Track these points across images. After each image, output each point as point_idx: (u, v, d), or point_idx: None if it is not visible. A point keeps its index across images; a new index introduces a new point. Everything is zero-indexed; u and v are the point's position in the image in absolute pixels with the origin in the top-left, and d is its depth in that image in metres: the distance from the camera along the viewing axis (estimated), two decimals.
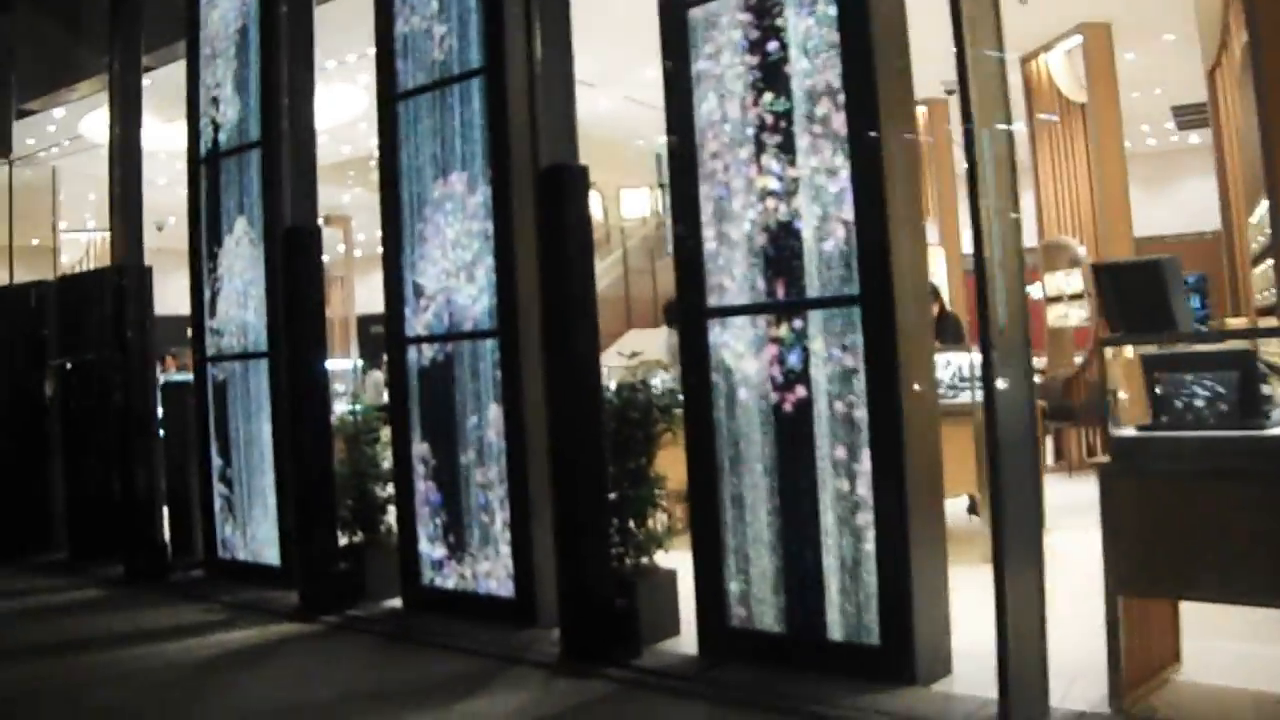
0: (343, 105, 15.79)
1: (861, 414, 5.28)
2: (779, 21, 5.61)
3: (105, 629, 7.73)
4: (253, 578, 8.68)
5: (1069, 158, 13.60)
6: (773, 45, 5.63)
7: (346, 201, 21.91)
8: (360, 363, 15.80)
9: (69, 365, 11.04)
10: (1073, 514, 7.05)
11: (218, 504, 9.07)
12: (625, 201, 22.59)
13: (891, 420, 5.17)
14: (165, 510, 9.95)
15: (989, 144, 4.62)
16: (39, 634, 7.79)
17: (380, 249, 7.74)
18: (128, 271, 9.76)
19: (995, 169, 4.64)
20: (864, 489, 5.28)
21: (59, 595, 9.16)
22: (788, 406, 5.55)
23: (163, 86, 11.39)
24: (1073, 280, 13.05)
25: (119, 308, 9.68)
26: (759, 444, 5.66)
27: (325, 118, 8.84)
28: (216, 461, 9.06)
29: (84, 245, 20.62)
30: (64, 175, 15.80)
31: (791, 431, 5.54)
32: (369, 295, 25.58)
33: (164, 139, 13.74)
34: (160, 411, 10.03)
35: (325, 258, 9.87)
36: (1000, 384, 4.45)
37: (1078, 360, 12.95)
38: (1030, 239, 7.04)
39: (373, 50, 7.78)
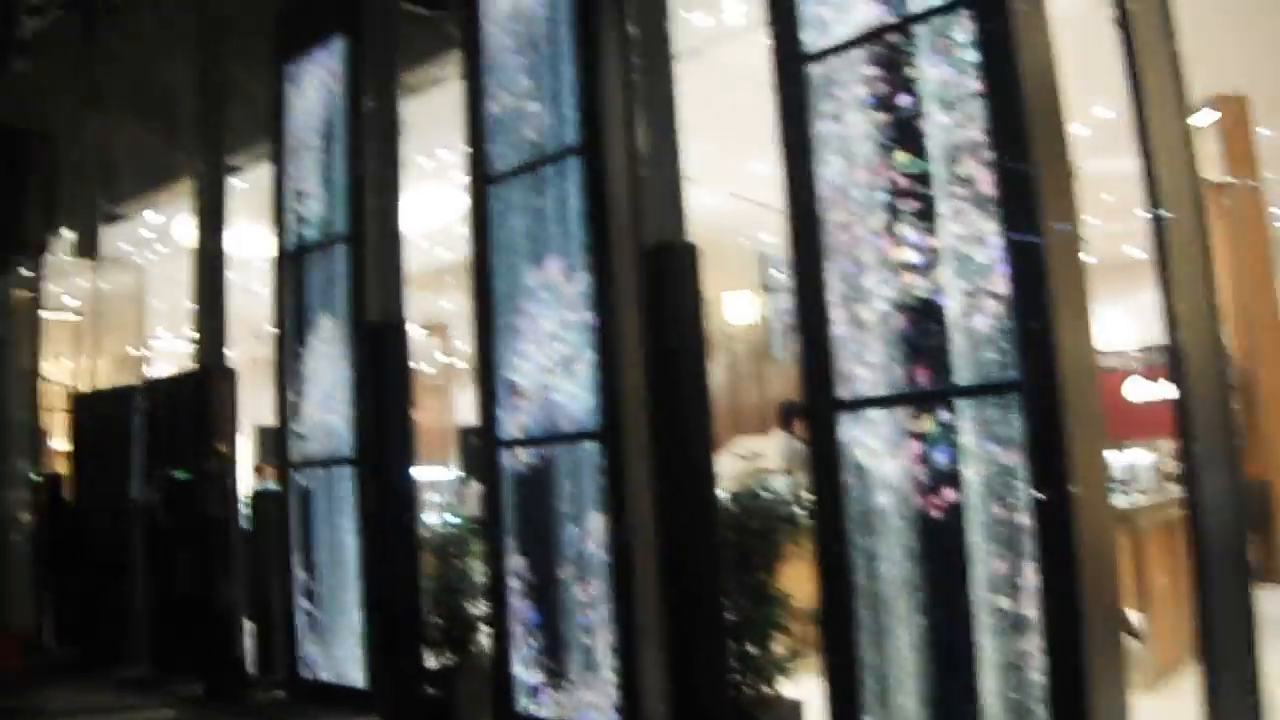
0: (439, 207, 15.56)
1: (1023, 519, 4.60)
2: (910, 73, 5.07)
3: None
4: (336, 699, 8.17)
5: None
6: (904, 99, 5.08)
7: (446, 309, 21.72)
8: (462, 473, 15.42)
9: (154, 475, 10.80)
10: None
11: (300, 619, 8.59)
12: (729, 305, 22.11)
13: (1060, 525, 4.49)
14: (247, 624, 9.59)
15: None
16: None
17: None
18: (210, 374, 9.46)
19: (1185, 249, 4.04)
20: (1029, 607, 4.57)
21: (135, 714, 8.84)
22: (934, 511, 4.88)
23: (256, 188, 11.22)
24: None
25: (201, 412, 9.39)
26: (900, 556, 5.00)
27: (421, 220, 8.56)
28: (299, 574, 8.60)
29: (182, 353, 20.66)
30: (159, 281, 15.79)
31: (938, 541, 4.87)
32: (470, 406, 25.46)
33: (260, 244, 13.60)
34: (249, 520, 9.71)
35: (426, 366, 9.58)
36: (1206, 484, 3.77)
37: None
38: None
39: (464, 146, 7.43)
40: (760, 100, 5.69)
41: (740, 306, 22.24)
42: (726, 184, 15.17)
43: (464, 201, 7.24)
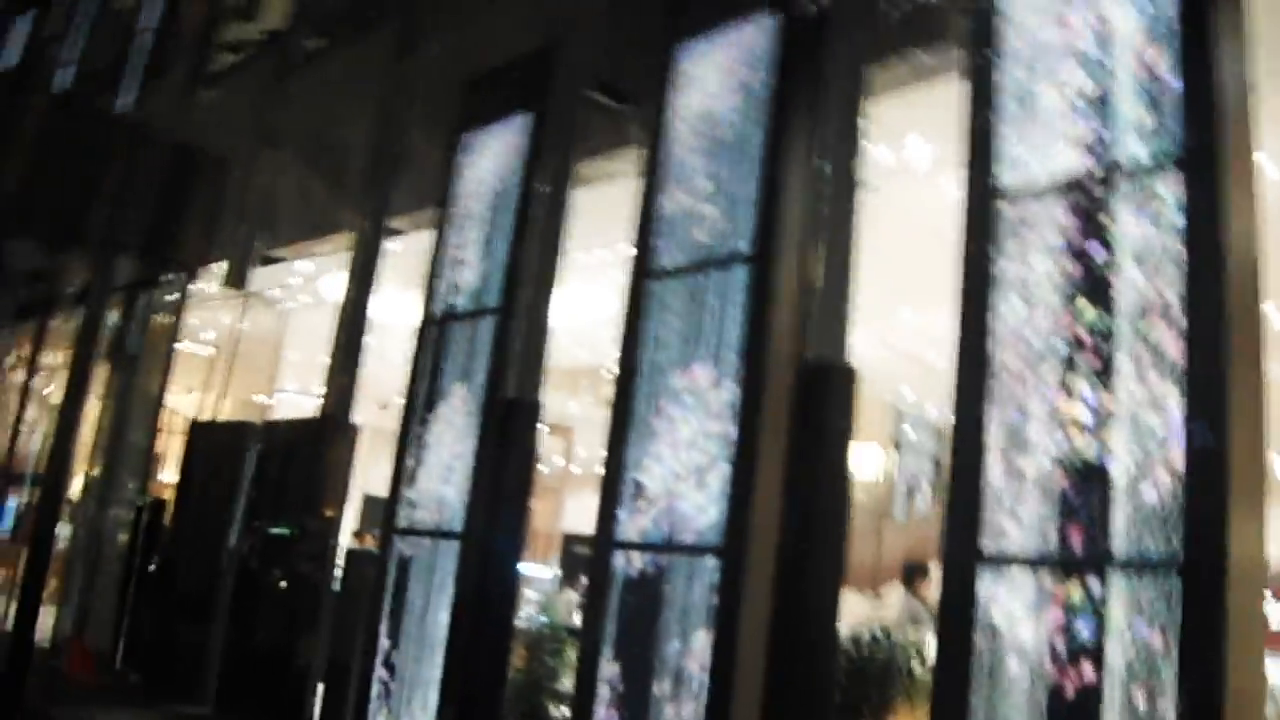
0: (585, 305, 15.61)
1: (1166, 708, 4.34)
2: (1108, 224, 4.96)
3: None
4: None
5: None
6: (1097, 251, 4.97)
7: (573, 412, 21.71)
8: (559, 573, 15.31)
9: (253, 528, 10.92)
10: None
11: (375, 688, 8.47)
12: (854, 457, 21.75)
13: (1210, 711, 4.22)
14: (320, 685, 9.52)
15: None
16: None
17: (599, 468, 7.23)
18: (333, 426, 9.54)
19: None
20: None
21: None
22: (1068, 687, 4.64)
23: (412, 255, 11.41)
24: None
25: (317, 462, 9.46)
26: None
27: (565, 315, 8.62)
28: (383, 642, 8.50)
29: (305, 408, 20.94)
30: (296, 331, 16.08)
31: (1068, 718, 4.62)
32: (578, 514, 25.34)
33: (400, 311, 13.79)
34: (340, 580, 9.71)
35: (543, 466, 9.58)
36: None
37: None
38: None
39: (626, 247, 7.47)
40: (919, 247, 5.61)
41: (867, 460, 21.91)
42: (874, 330, 15.06)
43: (613, 302, 7.25)
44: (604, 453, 7.13)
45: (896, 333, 14.15)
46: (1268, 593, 4.87)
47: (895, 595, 10.40)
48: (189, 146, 11.10)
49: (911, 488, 22.37)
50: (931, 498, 22.47)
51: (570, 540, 24.61)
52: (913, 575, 9.67)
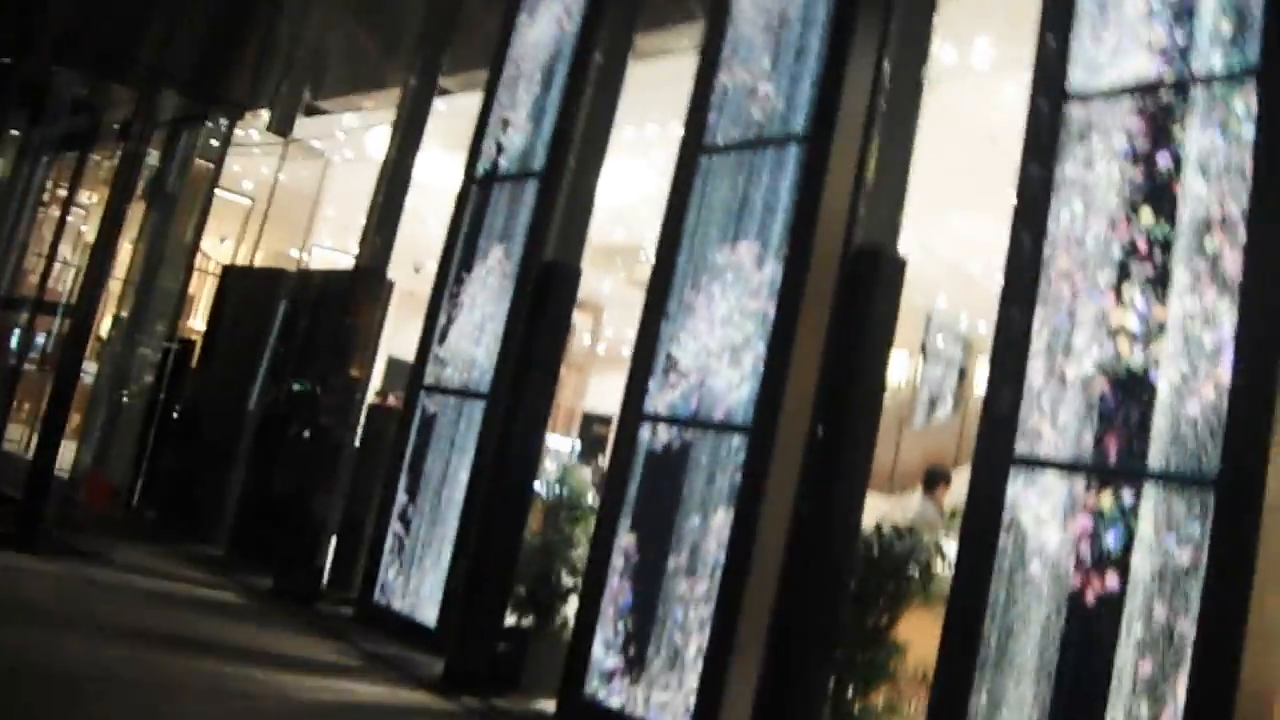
0: (627, 183, 15.48)
1: (1187, 627, 4.32)
2: (1177, 133, 4.85)
3: (228, 639, 7.33)
4: (403, 631, 8.13)
5: None
6: (1163, 160, 4.85)
7: (605, 290, 21.64)
8: (578, 445, 15.40)
9: (284, 386, 10.98)
10: None
11: (389, 542, 8.56)
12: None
13: (1227, 642, 4.20)
14: (334, 537, 9.64)
15: None
16: (161, 623, 7.49)
17: (625, 350, 7.21)
18: (369, 277, 9.52)
19: None
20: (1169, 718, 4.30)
21: (200, 590, 8.92)
22: (1089, 596, 4.62)
23: (458, 117, 11.29)
24: None
25: (350, 311, 9.46)
26: (1039, 635, 4.74)
27: (604, 191, 8.53)
28: (401, 497, 8.58)
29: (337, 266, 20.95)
30: (334, 188, 16.00)
31: (1086, 627, 4.61)
32: (600, 395, 25.40)
33: (447, 176, 13.68)
34: (361, 435, 9.77)
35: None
36: None
37: None
38: None
39: (676, 126, 7.35)
40: (970, 151, 5.49)
41: (893, 364, 21.81)
42: (913, 233, 14.89)
43: (653, 181, 7.15)
44: (632, 333, 7.10)
45: (937, 237, 14.00)
46: None
47: (913, 499, 10.41)
48: None
49: (934, 397, 22.32)
50: (953, 408, 22.46)
51: (590, 420, 24.79)
52: (934, 481, 9.65)
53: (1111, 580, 4.57)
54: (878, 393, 5.66)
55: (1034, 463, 4.94)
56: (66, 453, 10.52)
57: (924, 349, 21.22)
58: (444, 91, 11.18)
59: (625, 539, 6.66)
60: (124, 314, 12.63)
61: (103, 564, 8.77)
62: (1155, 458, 4.57)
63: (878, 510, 7.40)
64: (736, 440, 6.20)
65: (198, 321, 18.00)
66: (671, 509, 6.44)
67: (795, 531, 5.54)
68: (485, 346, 8.28)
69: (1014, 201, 5.38)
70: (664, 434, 6.65)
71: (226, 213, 16.23)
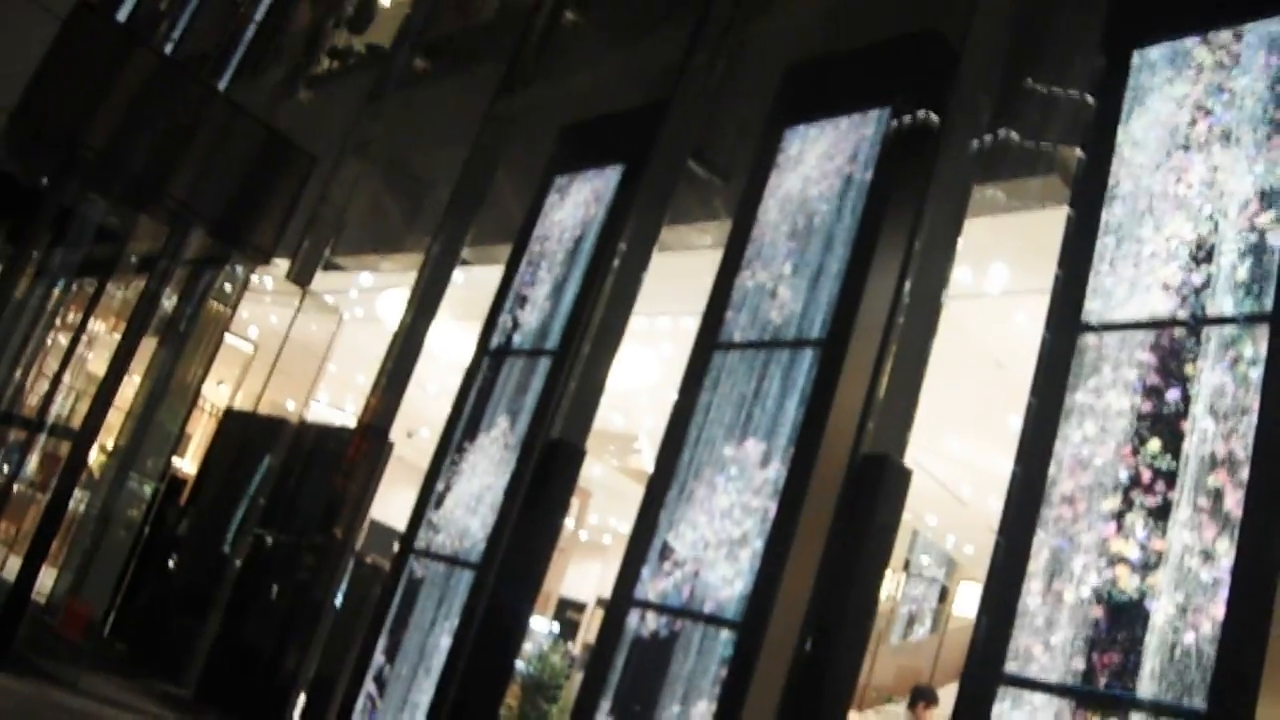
0: (633, 372, 15.70)
1: None
2: (1187, 369, 5.06)
3: None
4: None
5: None
6: (1173, 394, 5.06)
7: (594, 476, 21.76)
8: (556, 628, 15.34)
9: (268, 538, 11.05)
10: None
11: (361, 703, 8.50)
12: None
13: None
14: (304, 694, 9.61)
15: None
16: None
17: (606, 537, 7.36)
18: (368, 436, 9.66)
19: None
20: None
21: None
22: None
23: (468, 288, 11.58)
24: None
25: (344, 468, 9.57)
26: None
27: (611, 379, 8.74)
28: (378, 658, 8.55)
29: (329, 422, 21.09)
30: (338, 348, 16.21)
31: None
32: (578, 580, 25.32)
33: (449, 345, 13.93)
34: (344, 594, 9.80)
35: None
36: None
37: None
38: None
39: (688, 320, 7.61)
40: (977, 377, 5.70)
41: None
42: (916, 452, 15.07)
43: (654, 371, 7.31)
44: (616, 523, 7.23)
45: (931, 456, 14.19)
46: None
47: (896, 713, 10.39)
48: (278, 135, 11.28)
49: (914, 614, 22.33)
50: (931, 627, 22.43)
51: (564, 604, 24.68)
52: (918, 699, 9.68)
53: None
54: (871, 603, 5.75)
55: (1023, 683, 5.02)
56: (46, 578, 10.55)
57: (907, 566, 21.29)
58: (463, 262, 11.48)
59: None
60: (119, 444, 12.73)
61: (72, 691, 8.73)
62: (1144, 688, 4.65)
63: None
64: (725, 635, 6.27)
65: (186, 462, 18.03)
66: (653, 696, 6.46)
67: None
68: (481, 517, 8.36)
69: (1020, 424, 5.57)
70: (652, 621, 6.71)
71: (226, 357, 16.41)
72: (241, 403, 16.36)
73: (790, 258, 7.20)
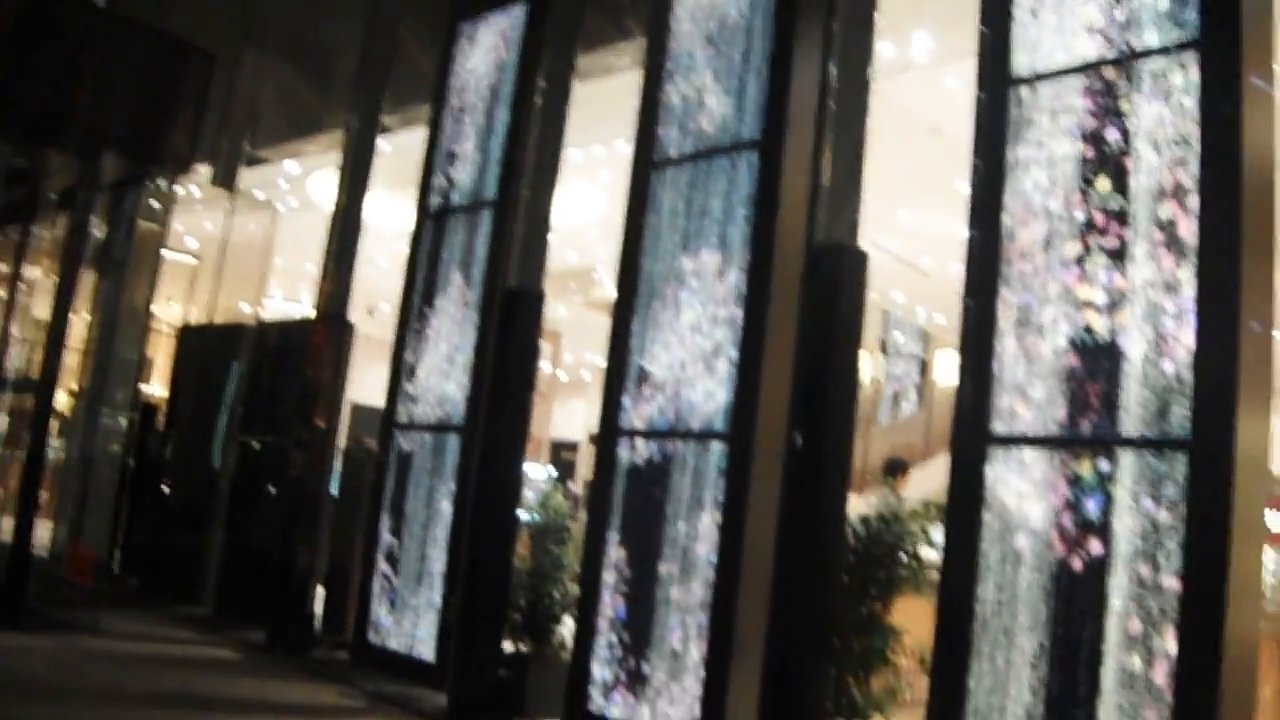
0: (576, 205, 15.57)
1: (1172, 582, 4.51)
2: (1123, 106, 5.05)
3: (231, 693, 7.45)
4: (401, 669, 8.21)
5: None
6: (1113, 134, 5.05)
7: (561, 315, 21.74)
8: (554, 472, 15.50)
9: (254, 443, 11.06)
10: None
11: (377, 584, 8.63)
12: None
13: (1211, 590, 4.39)
14: (321, 583, 9.74)
15: None
16: (164, 684, 7.58)
17: (586, 374, 7.37)
18: (330, 323, 9.60)
19: None
20: (1162, 675, 4.48)
21: (194, 649, 9.07)
22: (1075, 562, 4.81)
23: (396, 156, 11.39)
24: None
25: (313, 361, 9.54)
26: (1030, 604, 4.92)
27: (558, 217, 8.67)
28: (386, 538, 8.66)
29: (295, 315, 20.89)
30: (281, 241, 16.02)
31: (1074, 592, 4.79)
32: (566, 421, 25.50)
33: (390, 216, 13.75)
34: (338, 475, 9.87)
35: None
36: None
37: None
38: None
39: (621, 144, 7.50)
40: (916, 146, 5.67)
41: None
42: (865, 232, 15.10)
43: (602, 201, 7.25)
44: (591, 357, 7.26)
45: (888, 235, 14.24)
46: None
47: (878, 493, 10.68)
48: (172, 39, 10.90)
49: (898, 392, 22.66)
50: (917, 401, 22.79)
51: (558, 446, 24.92)
52: (893, 470, 9.94)
53: (1096, 545, 4.75)
54: (851, 387, 5.82)
55: (1012, 440, 5.12)
56: (43, 531, 10.56)
57: (884, 346, 21.51)
58: (386, 130, 11.27)
59: (615, 554, 6.78)
60: (84, 385, 12.61)
61: (94, 635, 8.82)
62: (1128, 426, 4.75)
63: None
64: (716, 446, 6.36)
65: (154, 385, 17.91)
66: (658, 521, 6.56)
67: (783, 531, 5.68)
68: (455, 379, 8.39)
69: (967, 188, 5.57)
70: (643, 448, 6.79)
71: (171, 274, 16.19)
72: (196, 317, 16.23)
73: (711, 64, 7.10)
